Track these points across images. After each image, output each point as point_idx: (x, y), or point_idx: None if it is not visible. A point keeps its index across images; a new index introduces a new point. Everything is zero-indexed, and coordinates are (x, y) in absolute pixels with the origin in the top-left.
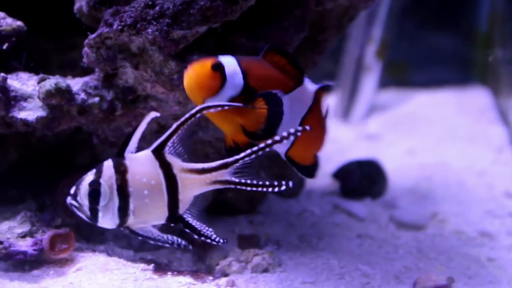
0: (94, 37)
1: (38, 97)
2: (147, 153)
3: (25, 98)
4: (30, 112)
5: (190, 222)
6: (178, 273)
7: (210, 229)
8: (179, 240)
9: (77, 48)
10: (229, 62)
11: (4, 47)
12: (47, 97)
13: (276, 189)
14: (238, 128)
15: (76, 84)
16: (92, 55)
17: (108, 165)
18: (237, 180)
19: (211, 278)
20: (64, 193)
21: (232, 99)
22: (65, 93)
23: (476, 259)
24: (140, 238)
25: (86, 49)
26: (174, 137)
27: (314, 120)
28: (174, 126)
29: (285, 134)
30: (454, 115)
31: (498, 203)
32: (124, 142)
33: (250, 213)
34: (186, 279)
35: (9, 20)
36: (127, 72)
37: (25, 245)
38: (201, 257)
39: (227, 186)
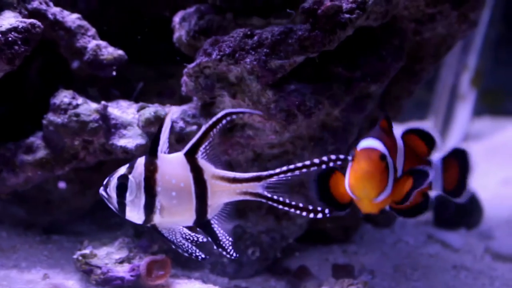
0: (193, 66)
1: (138, 125)
2: (179, 155)
3: (125, 126)
4: (130, 139)
5: (215, 229)
6: None
7: (230, 240)
8: (198, 252)
9: (175, 76)
10: (380, 146)
11: (105, 75)
12: (146, 125)
13: (311, 215)
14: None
15: (174, 112)
16: (190, 83)
17: (140, 162)
18: (269, 195)
19: None
20: None
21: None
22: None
23: None
24: (161, 237)
25: (185, 77)
26: (206, 143)
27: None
28: (203, 129)
29: (325, 158)
30: None
31: None
32: (154, 143)
33: (344, 242)
34: None
35: (111, 49)
36: (225, 101)
37: (122, 271)
38: (294, 285)
39: (258, 199)
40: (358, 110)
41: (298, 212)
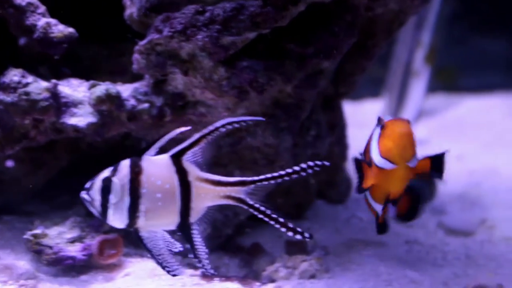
0: (144, 43)
1: (89, 103)
2: (165, 157)
3: (75, 104)
4: (81, 118)
5: (194, 236)
6: (226, 279)
7: (206, 251)
8: (173, 267)
9: (127, 54)
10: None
11: (56, 53)
12: (98, 103)
13: (290, 233)
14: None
15: (126, 90)
16: (142, 61)
17: (124, 164)
18: (251, 202)
19: (258, 284)
20: None
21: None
22: (115, 99)
23: None
24: (141, 244)
25: (136, 55)
26: (197, 148)
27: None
28: (197, 136)
29: (304, 165)
30: (504, 120)
31: None
32: (145, 147)
33: (297, 218)
34: (234, 285)
35: (61, 27)
36: (176, 78)
37: (74, 250)
38: (248, 262)
39: (240, 204)
40: (311, 86)
41: (277, 226)
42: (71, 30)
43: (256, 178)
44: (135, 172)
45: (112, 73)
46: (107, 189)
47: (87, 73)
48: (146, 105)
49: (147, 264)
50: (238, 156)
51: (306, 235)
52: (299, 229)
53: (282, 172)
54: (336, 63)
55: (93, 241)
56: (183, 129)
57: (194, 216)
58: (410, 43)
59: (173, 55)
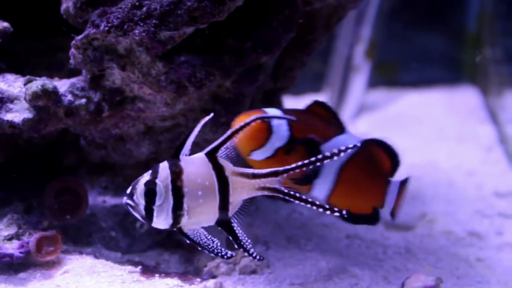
0: (81, 38)
1: (25, 99)
2: (201, 155)
3: (11, 99)
4: (17, 114)
5: (235, 228)
6: (166, 275)
7: (249, 241)
8: (224, 250)
9: (64, 49)
10: (274, 112)
11: None
12: (34, 98)
13: (327, 212)
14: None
15: (63, 85)
16: (79, 56)
17: (163, 166)
18: (285, 190)
19: (199, 280)
20: (51, 196)
21: (278, 150)
22: (52, 95)
23: (465, 259)
24: (188, 241)
25: (73, 50)
26: (228, 143)
27: (354, 171)
28: (229, 132)
29: (335, 150)
30: (444, 114)
31: (487, 203)
32: (179, 145)
33: None
34: (174, 281)
35: None
36: (114, 73)
37: (11, 248)
38: (189, 258)
39: (275, 194)
40: (250, 81)
41: (314, 208)
42: (5, 24)
43: (288, 167)
44: (176, 173)
45: (49, 68)
46: (151, 192)
47: (23, 68)
48: (83, 100)
49: (86, 261)
50: None
51: (344, 212)
52: (336, 209)
53: (312, 159)
54: (275, 57)
55: (31, 238)
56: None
57: (232, 210)
58: (350, 38)
59: (110, 50)
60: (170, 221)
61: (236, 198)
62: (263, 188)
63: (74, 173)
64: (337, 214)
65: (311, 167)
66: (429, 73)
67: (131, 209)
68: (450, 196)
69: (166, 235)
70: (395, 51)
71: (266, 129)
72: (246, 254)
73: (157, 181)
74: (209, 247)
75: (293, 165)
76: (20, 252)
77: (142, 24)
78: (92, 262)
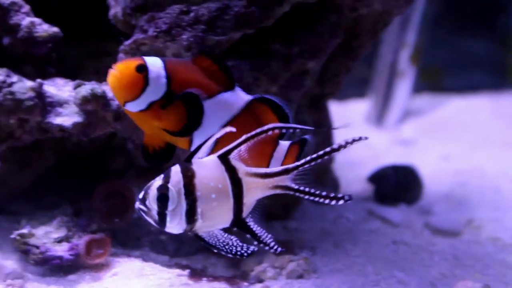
0: (129, 43)
1: (74, 103)
2: (213, 158)
3: (61, 103)
4: (66, 117)
5: (252, 227)
6: (213, 278)
7: (270, 236)
8: (244, 248)
9: (112, 54)
10: (154, 65)
11: (40, 52)
12: (83, 103)
13: (334, 202)
14: (157, 132)
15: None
16: None
17: (175, 170)
18: (296, 187)
19: (246, 284)
20: (99, 199)
21: (152, 103)
22: (101, 99)
23: None
24: (203, 243)
25: (121, 55)
26: (242, 147)
27: (241, 129)
28: (244, 137)
29: (343, 142)
30: (489, 120)
31: None
32: (194, 151)
33: (284, 218)
34: (221, 285)
35: (45, 26)
36: None
37: (61, 250)
38: (236, 263)
39: (287, 191)
40: (296, 86)
41: (323, 200)
42: (55, 29)
43: (298, 163)
44: (188, 177)
45: (97, 73)
46: (164, 197)
47: (72, 73)
48: None
49: (135, 264)
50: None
51: (346, 197)
52: (346, 196)
53: (320, 153)
54: (321, 63)
55: (80, 241)
56: (227, 129)
57: (246, 211)
58: (395, 43)
59: (158, 55)
60: (184, 225)
61: (250, 199)
62: (276, 187)
63: (122, 176)
64: (342, 201)
65: (319, 160)
66: (473, 78)
67: (143, 214)
68: (496, 202)
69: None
70: (439, 56)
71: (141, 81)
72: (266, 248)
73: (169, 185)
74: (226, 248)
75: (303, 161)
76: (70, 255)
77: (190, 29)
78: (141, 265)
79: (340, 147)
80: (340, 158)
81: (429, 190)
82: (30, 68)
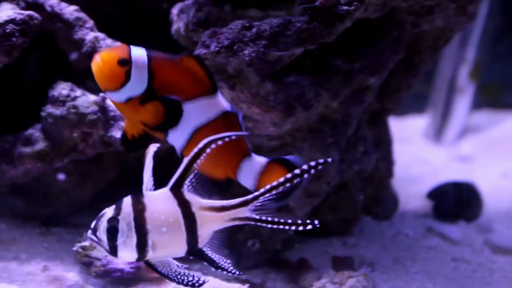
0: None
1: None
2: (165, 191)
3: (123, 117)
4: None
5: (209, 255)
6: None
7: (228, 261)
8: (195, 278)
9: None
10: (139, 59)
11: None
12: None
13: (300, 228)
14: (136, 123)
15: None
16: None
17: (127, 203)
18: (257, 217)
19: None
20: None
21: (130, 99)
22: None
23: None
24: (155, 272)
25: None
26: (192, 175)
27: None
28: (186, 162)
29: (305, 167)
30: None
31: None
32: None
33: (343, 234)
34: None
35: (109, 41)
36: (223, 93)
37: (122, 263)
38: (294, 278)
39: (247, 222)
40: (357, 102)
41: (287, 227)
42: (118, 44)
43: (256, 193)
44: (138, 210)
45: None
46: (113, 229)
47: None
48: None
49: None
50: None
51: (316, 222)
52: (308, 221)
53: (281, 180)
54: (382, 79)
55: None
56: (153, 148)
57: (202, 242)
58: (455, 59)
59: (220, 70)
60: (135, 255)
61: (205, 231)
62: (234, 219)
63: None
64: (309, 227)
65: (280, 189)
66: None
67: (96, 244)
68: None
69: (273, 253)
70: (499, 72)
71: (122, 75)
72: (224, 272)
73: (119, 217)
74: (178, 277)
75: (262, 190)
76: (131, 267)
77: (251, 44)
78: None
79: (303, 172)
80: (398, 174)
81: (489, 207)
82: (94, 82)
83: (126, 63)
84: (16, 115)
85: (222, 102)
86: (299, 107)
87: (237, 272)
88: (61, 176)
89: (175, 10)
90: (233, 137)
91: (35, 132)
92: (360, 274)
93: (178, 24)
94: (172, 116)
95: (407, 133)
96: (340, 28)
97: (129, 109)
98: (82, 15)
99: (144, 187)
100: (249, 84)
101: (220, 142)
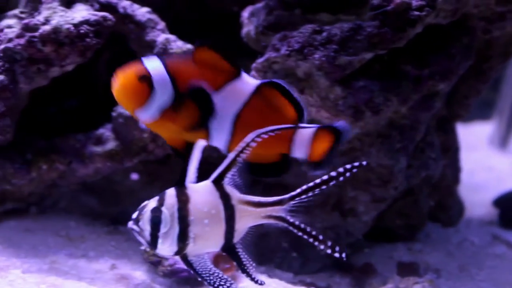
0: (261, 61)
1: None
2: (207, 183)
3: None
4: None
5: (240, 253)
6: None
7: (253, 265)
8: (227, 283)
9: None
10: (156, 69)
11: None
12: None
13: (328, 251)
14: (176, 134)
15: None
16: (259, 78)
17: (170, 194)
18: (291, 219)
19: None
20: None
21: (163, 109)
22: None
23: None
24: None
25: (253, 72)
26: (234, 169)
27: (254, 116)
28: (231, 156)
29: (341, 169)
30: None
31: None
32: (182, 171)
33: (408, 240)
34: None
35: (180, 43)
36: None
37: None
38: (360, 282)
39: (280, 222)
40: (426, 108)
41: (316, 243)
42: (189, 46)
43: (293, 193)
44: (182, 201)
45: None
46: (157, 219)
47: None
48: None
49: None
50: (352, 176)
51: (343, 255)
52: (337, 248)
53: (317, 181)
54: (452, 85)
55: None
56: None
57: (237, 237)
58: None
59: (289, 73)
60: (175, 248)
61: (242, 226)
62: (269, 217)
63: (249, 191)
64: (336, 255)
65: (316, 190)
66: None
67: (136, 234)
68: None
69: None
70: None
71: (147, 89)
72: (248, 278)
73: (163, 208)
74: (210, 278)
75: (298, 191)
76: None
77: (322, 49)
78: (266, 281)
79: (339, 175)
80: (463, 181)
81: None
82: None
83: (146, 78)
84: (87, 115)
85: (249, 79)
86: (368, 112)
87: (260, 281)
88: (134, 176)
89: (245, 13)
90: (279, 131)
91: (106, 131)
92: (425, 280)
93: (248, 27)
94: (204, 105)
95: (472, 139)
96: (411, 34)
97: (166, 121)
98: (154, 16)
99: (187, 179)
100: (318, 88)
101: (265, 136)
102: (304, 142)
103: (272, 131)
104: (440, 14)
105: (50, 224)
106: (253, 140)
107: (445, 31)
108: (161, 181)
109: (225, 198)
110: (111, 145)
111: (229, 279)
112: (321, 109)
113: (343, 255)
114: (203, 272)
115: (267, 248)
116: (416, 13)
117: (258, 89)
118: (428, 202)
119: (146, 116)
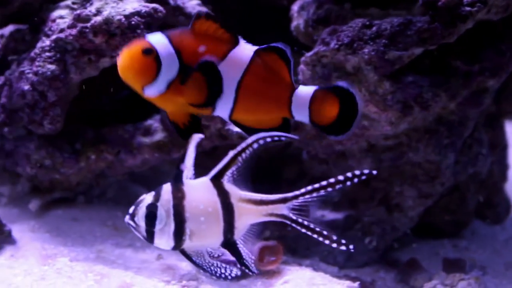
0: (310, 54)
1: None
2: (205, 180)
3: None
4: None
5: (240, 249)
6: None
7: (253, 258)
8: (227, 270)
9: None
10: (160, 43)
11: None
12: None
13: (334, 245)
14: (181, 108)
15: None
16: (307, 72)
17: (166, 190)
18: (294, 217)
19: None
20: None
21: (170, 84)
22: None
23: None
24: (189, 262)
25: (302, 66)
26: (234, 168)
27: (254, 81)
28: (231, 155)
29: (349, 174)
30: None
31: None
32: (177, 167)
33: (454, 236)
34: None
35: None
36: None
37: None
38: (404, 277)
39: (283, 220)
40: (475, 104)
41: (320, 239)
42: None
43: (297, 192)
44: (178, 198)
45: None
46: (152, 215)
47: None
48: None
49: (305, 273)
50: (399, 171)
51: (351, 246)
52: (343, 241)
53: (323, 183)
54: (501, 81)
55: (254, 247)
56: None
57: (238, 234)
58: None
59: (338, 67)
60: (171, 243)
61: (242, 223)
62: (271, 215)
63: (294, 185)
64: (343, 247)
65: (321, 192)
66: None
67: (133, 229)
68: None
69: (383, 252)
70: None
71: (153, 63)
72: (246, 270)
73: (158, 204)
74: (211, 269)
75: (302, 190)
76: None
77: (371, 43)
78: (311, 274)
79: (347, 179)
80: (511, 179)
81: None
82: None
83: (151, 51)
84: (137, 106)
85: (247, 45)
86: (417, 107)
87: (255, 271)
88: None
89: (295, 7)
90: (283, 138)
91: (154, 122)
92: (471, 277)
93: (297, 21)
94: (214, 81)
95: None
96: (461, 29)
97: (173, 94)
98: (204, 9)
99: (184, 175)
100: (367, 82)
101: (269, 140)
102: (302, 103)
103: (277, 136)
104: (492, 10)
105: (97, 214)
106: (255, 142)
107: (495, 27)
108: (207, 173)
109: (224, 195)
110: (159, 136)
111: (229, 267)
112: (369, 103)
113: (351, 247)
114: (204, 264)
115: (313, 241)
116: (468, 8)
117: (257, 54)
118: (475, 198)
119: (154, 91)
